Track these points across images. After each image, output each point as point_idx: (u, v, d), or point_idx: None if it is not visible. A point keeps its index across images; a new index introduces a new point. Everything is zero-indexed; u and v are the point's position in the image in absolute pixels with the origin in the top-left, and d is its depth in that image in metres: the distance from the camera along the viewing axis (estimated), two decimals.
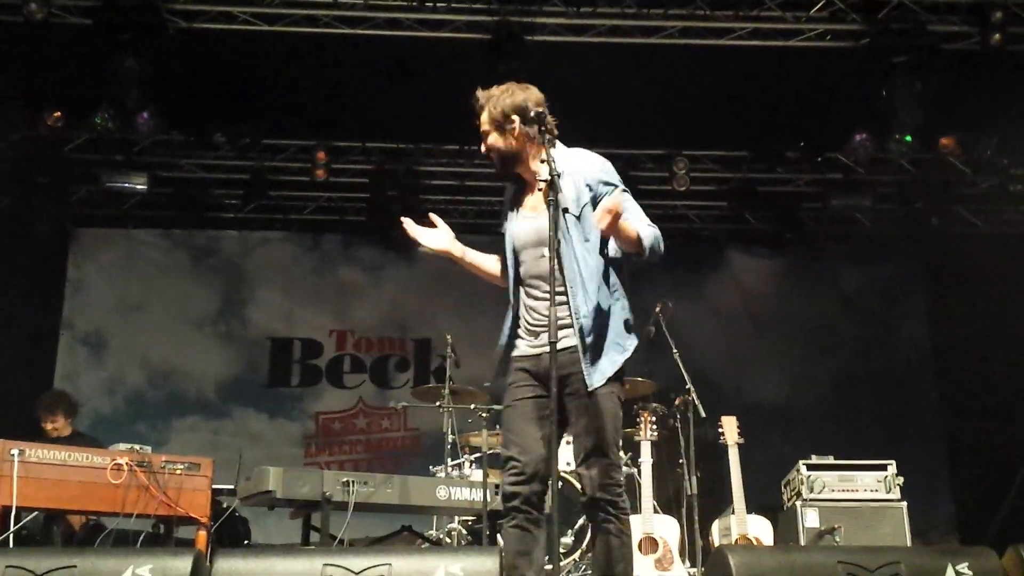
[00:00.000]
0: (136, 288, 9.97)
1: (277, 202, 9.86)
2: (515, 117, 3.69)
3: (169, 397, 9.73)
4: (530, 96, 3.72)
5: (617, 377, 3.57)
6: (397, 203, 9.41)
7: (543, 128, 3.61)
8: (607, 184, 3.68)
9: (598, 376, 3.50)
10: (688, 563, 5.92)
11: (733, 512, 6.05)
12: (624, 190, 3.69)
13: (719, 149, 9.41)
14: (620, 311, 3.69)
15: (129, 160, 9.00)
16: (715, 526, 6.87)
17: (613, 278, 3.72)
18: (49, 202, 9.07)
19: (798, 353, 10.10)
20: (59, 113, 8.40)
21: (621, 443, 3.64)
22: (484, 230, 10.22)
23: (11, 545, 4.86)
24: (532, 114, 3.62)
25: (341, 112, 8.74)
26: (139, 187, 9.03)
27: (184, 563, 2.65)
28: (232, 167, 9.41)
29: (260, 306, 10.22)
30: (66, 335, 9.79)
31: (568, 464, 6.69)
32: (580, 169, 3.72)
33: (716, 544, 6.62)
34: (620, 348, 3.61)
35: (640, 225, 3.60)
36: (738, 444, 6.14)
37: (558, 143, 3.76)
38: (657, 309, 6.55)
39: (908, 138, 8.65)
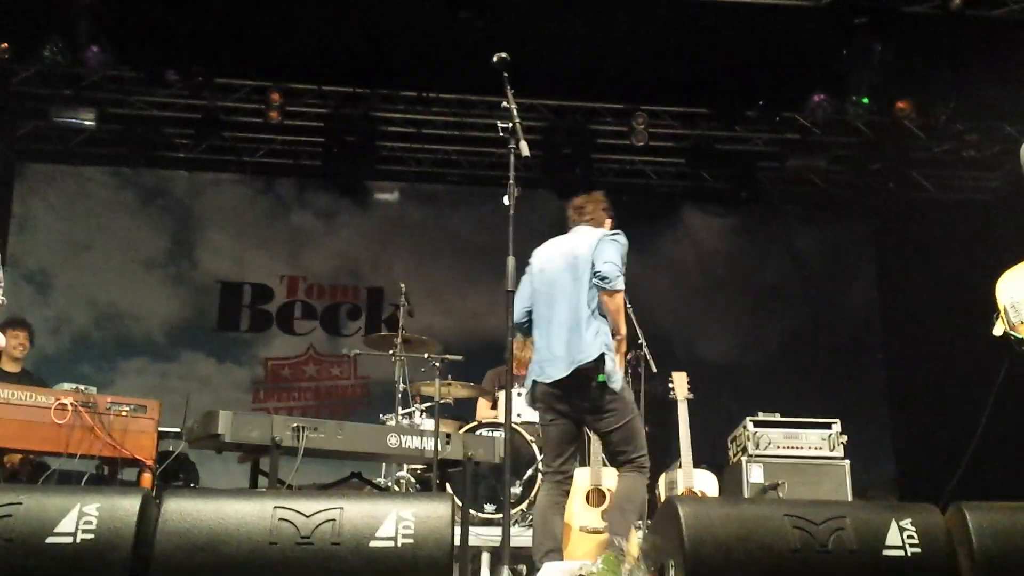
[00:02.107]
0: (83, 226, 9.77)
1: (230, 143, 9.67)
2: None
3: (116, 338, 9.57)
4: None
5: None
6: (353, 149, 9.31)
7: None
8: None
9: None
10: None
11: (680, 466, 6.13)
12: None
13: (679, 105, 9.39)
14: None
15: (78, 95, 8.77)
16: (661, 480, 6.95)
17: None
18: None
19: (749, 311, 10.20)
20: (6, 44, 8.14)
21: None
22: (440, 179, 10.15)
23: None
24: None
25: (297, 54, 8.56)
26: (87, 123, 8.81)
27: (132, 503, 2.61)
28: (184, 106, 9.20)
29: (210, 249, 10.07)
30: (10, 272, 9.56)
31: (519, 416, 6.74)
32: None
33: (662, 497, 6.71)
34: None
35: None
36: (687, 400, 6.20)
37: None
38: None
39: (865, 100, 8.70)
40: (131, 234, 9.86)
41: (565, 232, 4.93)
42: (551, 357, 4.64)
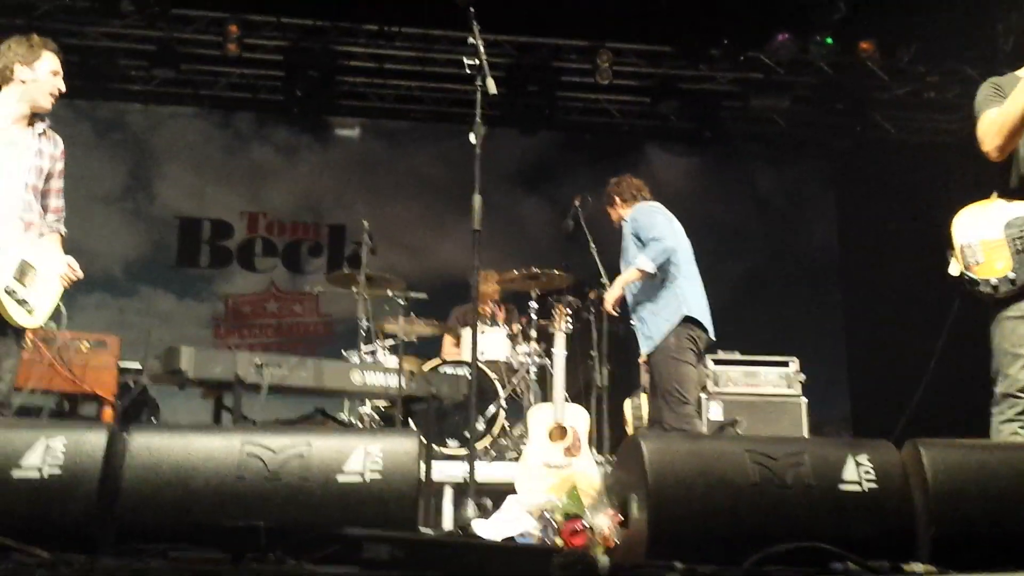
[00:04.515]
0: None
1: (187, 76, 9.45)
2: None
3: None
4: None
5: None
6: (313, 84, 9.16)
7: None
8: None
9: None
10: (595, 451, 6.07)
11: (644, 391, 6.23)
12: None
13: (643, 43, 9.32)
14: None
15: (30, 24, 8.50)
16: (627, 404, 7.03)
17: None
18: None
19: (710, 251, 10.18)
20: None
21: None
22: (403, 115, 10.04)
23: None
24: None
25: None
26: None
27: (99, 437, 2.59)
28: (139, 37, 8.97)
29: (168, 184, 9.92)
30: None
31: (483, 353, 6.77)
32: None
33: (628, 419, 6.80)
34: None
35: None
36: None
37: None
38: (576, 203, 6.55)
39: (829, 40, 8.70)
40: (87, 168, 9.66)
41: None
42: (706, 309, 5.54)
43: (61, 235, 4.34)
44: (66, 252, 4.44)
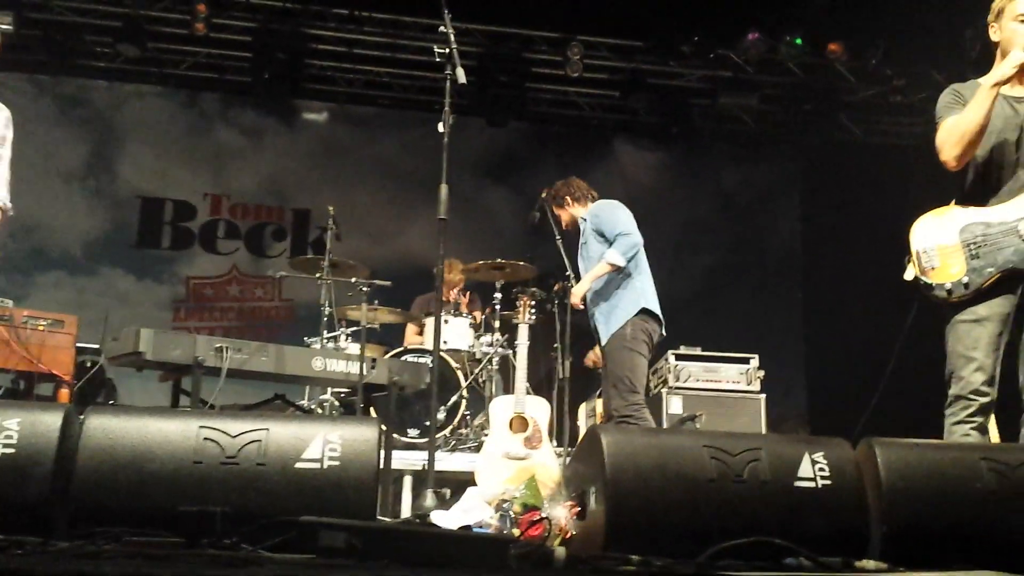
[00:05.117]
0: None
1: (153, 54, 9.34)
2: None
3: (31, 251, 9.29)
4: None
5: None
6: (281, 66, 9.08)
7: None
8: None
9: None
10: (555, 443, 6.09)
11: (599, 395, 6.25)
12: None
13: (614, 37, 9.34)
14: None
15: None
16: (581, 409, 7.09)
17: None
18: None
19: (675, 246, 10.31)
20: None
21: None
22: (371, 101, 9.98)
23: None
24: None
25: None
26: (4, 27, 8.39)
27: (54, 418, 2.55)
28: (105, 13, 8.85)
29: (131, 163, 9.78)
30: None
31: (445, 342, 6.77)
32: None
33: (581, 425, 6.85)
34: None
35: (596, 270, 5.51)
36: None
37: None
38: (543, 195, 6.54)
39: (798, 41, 8.76)
40: (48, 144, 9.51)
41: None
42: (658, 304, 5.53)
43: (3, 210, 4.19)
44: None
